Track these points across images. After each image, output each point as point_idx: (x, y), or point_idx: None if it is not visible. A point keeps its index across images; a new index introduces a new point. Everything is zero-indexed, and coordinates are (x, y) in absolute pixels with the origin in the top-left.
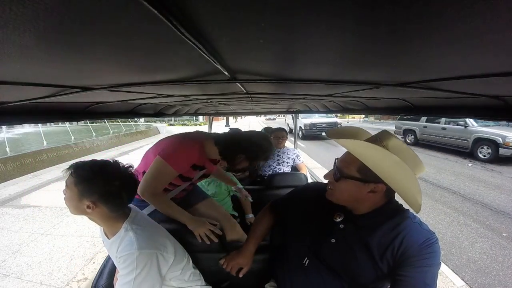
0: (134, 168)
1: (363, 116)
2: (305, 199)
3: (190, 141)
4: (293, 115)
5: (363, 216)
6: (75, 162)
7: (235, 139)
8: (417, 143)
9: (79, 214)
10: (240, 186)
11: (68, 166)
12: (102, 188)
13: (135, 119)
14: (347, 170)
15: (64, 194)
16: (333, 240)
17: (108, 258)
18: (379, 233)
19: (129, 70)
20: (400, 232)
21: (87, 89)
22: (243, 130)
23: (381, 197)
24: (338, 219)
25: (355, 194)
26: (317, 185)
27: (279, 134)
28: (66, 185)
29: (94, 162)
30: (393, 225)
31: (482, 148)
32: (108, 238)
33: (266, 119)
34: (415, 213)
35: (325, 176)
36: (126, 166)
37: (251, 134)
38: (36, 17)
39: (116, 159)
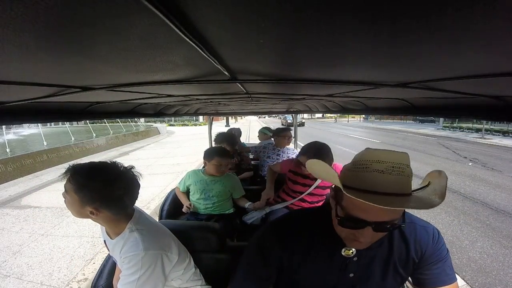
0: (136, 169)
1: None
2: (295, 240)
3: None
4: (293, 115)
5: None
6: (72, 165)
7: None
8: None
9: (82, 218)
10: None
11: (65, 170)
12: (103, 194)
13: (135, 119)
14: (398, 216)
15: (64, 198)
16: (351, 275)
17: (108, 258)
18: (394, 249)
19: (129, 70)
20: (409, 241)
21: (87, 89)
22: (243, 130)
23: None
24: (351, 254)
25: None
26: (298, 220)
27: (288, 134)
28: (65, 190)
29: (92, 166)
30: (399, 236)
31: None
32: (111, 238)
33: (287, 123)
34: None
35: (365, 239)
36: (127, 167)
37: None
38: (36, 17)
39: (116, 160)
